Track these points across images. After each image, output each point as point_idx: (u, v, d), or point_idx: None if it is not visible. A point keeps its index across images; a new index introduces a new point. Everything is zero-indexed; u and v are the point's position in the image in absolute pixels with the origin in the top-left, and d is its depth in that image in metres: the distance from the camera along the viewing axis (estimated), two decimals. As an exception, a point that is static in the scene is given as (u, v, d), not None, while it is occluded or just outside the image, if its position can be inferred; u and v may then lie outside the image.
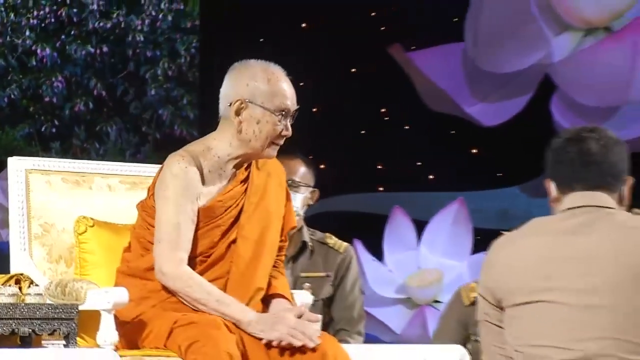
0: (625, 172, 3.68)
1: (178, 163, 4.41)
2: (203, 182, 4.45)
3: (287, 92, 4.48)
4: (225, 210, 4.48)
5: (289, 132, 4.49)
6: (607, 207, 3.63)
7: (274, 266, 4.57)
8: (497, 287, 3.63)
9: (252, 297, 4.46)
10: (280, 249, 4.61)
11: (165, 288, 4.43)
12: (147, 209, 4.50)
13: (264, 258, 4.50)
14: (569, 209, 3.63)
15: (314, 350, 4.33)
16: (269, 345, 4.32)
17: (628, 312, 3.52)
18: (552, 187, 3.71)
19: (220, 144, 4.49)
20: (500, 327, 3.67)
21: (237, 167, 4.52)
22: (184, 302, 4.38)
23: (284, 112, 4.46)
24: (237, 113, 4.47)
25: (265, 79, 4.47)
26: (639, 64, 8.36)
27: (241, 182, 4.53)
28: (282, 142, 4.50)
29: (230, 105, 4.48)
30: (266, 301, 4.52)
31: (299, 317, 4.35)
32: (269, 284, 4.53)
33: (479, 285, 3.71)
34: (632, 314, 3.53)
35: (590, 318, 3.52)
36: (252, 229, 4.50)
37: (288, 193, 4.67)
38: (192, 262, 4.43)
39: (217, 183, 4.49)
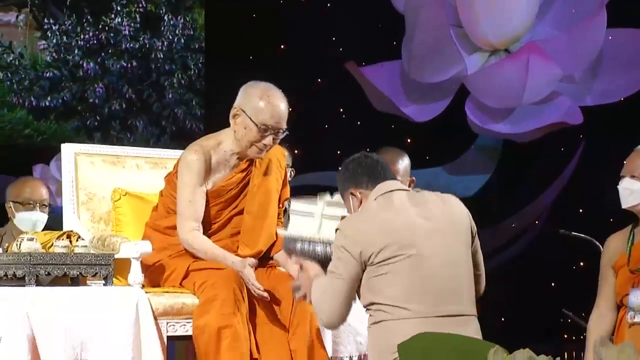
0: None
1: (191, 155, 4.37)
2: (210, 171, 4.40)
3: (273, 113, 4.35)
4: (227, 192, 4.44)
5: (269, 143, 4.37)
6: (406, 190, 3.71)
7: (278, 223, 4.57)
8: (365, 249, 3.54)
9: (253, 255, 4.42)
10: (279, 214, 4.57)
11: (179, 243, 4.40)
12: (171, 182, 4.46)
13: (266, 226, 4.46)
14: (383, 193, 3.65)
15: (288, 290, 4.30)
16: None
17: (458, 260, 3.60)
18: (357, 192, 3.73)
19: (227, 139, 4.44)
20: (356, 285, 3.60)
21: (239, 159, 4.46)
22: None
23: (265, 127, 4.35)
24: (234, 117, 4.41)
25: (259, 97, 4.36)
26: (530, 77, 8.35)
27: (242, 171, 4.47)
28: (265, 148, 4.39)
29: (232, 109, 4.43)
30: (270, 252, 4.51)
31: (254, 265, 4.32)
32: (277, 242, 4.50)
33: (346, 250, 3.58)
34: (461, 261, 3.61)
35: (440, 266, 3.55)
36: (255, 205, 4.46)
37: (286, 173, 4.62)
38: (204, 226, 4.41)
39: (222, 172, 4.45)
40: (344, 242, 3.57)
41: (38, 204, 5.40)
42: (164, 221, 4.46)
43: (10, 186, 5.55)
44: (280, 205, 4.58)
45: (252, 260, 4.29)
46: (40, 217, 5.32)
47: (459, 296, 3.54)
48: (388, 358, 3.47)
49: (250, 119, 4.34)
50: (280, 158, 4.57)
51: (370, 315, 3.58)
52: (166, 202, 4.47)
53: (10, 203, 5.46)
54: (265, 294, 4.25)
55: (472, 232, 3.69)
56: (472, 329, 3.56)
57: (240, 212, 4.44)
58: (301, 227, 4.04)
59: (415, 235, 3.53)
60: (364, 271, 3.56)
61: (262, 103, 4.34)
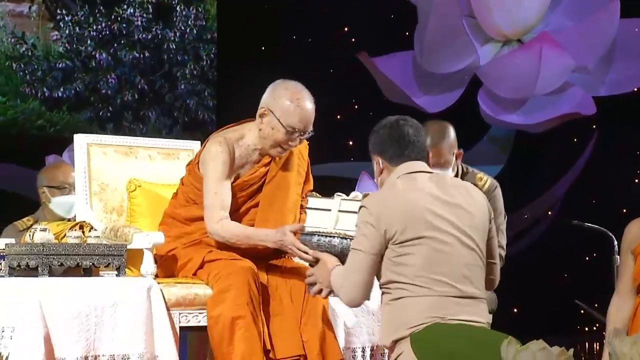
0: (427, 148, 3.79)
1: (215, 147, 4.36)
2: (233, 165, 4.39)
3: (302, 117, 4.33)
4: (249, 187, 4.44)
5: (294, 145, 4.38)
6: (430, 172, 3.73)
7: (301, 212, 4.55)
8: (390, 227, 3.58)
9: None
10: (302, 206, 4.57)
11: (194, 233, 4.40)
12: (192, 172, 4.45)
13: (280, 217, 4.44)
14: (406, 173, 3.68)
15: (299, 281, 4.29)
16: (273, 272, 4.31)
17: (475, 244, 3.64)
18: (380, 161, 3.76)
19: (250, 134, 4.43)
20: (379, 261, 3.63)
21: (261, 154, 4.46)
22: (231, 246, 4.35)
23: (293, 130, 4.34)
24: (261, 116, 4.39)
25: (289, 100, 4.33)
26: (542, 67, 8.33)
27: (264, 165, 4.46)
28: (288, 148, 4.39)
29: (260, 108, 4.41)
30: None
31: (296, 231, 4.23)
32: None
33: (371, 224, 3.62)
34: (477, 246, 3.65)
35: (460, 248, 3.61)
36: (269, 196, 4.45)
37: (308, 163, 4.61)
38: None
39: (244, 167, 4.44)
40: (370, 219, 3.59)
41: (72, 187, 5.41)
42: (182, 210, 4.46)
43: (42, 171, 5.57)
44: (304, 196, 4.58)
45: (296, 226, 4.24)
46: (77, 200, 5.36)
47: (473, 280, 3.62)
48: (405, 333, 3.53)
49: (279, 120, 4.32)
50: (302, 150, 4.55)
51: (388, 293, 3.62)
52: (186, 191, 4.47)
53: (44, 188, 5.47)
54: (311, 258, 4.16)
55: (489, 221, 3.73)
56: (483, 311, 3.65)
57: (257, 205, 4.44)
58: (318, 222, 4.06)
59: (436, 218, 3.59)
60: (386, 248, 3.60)
61: (292, 106, 4.32)
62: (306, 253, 4.13)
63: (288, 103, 4.33)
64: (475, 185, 4.66)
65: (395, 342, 3.60)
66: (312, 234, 3.99)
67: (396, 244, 3.57)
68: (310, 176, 4.63)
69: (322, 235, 3.95)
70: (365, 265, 3.62)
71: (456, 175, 4.86)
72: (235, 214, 4.40)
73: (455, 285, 3.56)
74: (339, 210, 4.04)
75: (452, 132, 4.93)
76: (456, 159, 4.86)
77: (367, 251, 3.61)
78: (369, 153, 3.85)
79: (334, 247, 3.92)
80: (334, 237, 3.93)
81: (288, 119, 4.32)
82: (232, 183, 4.38)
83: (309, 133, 4.39)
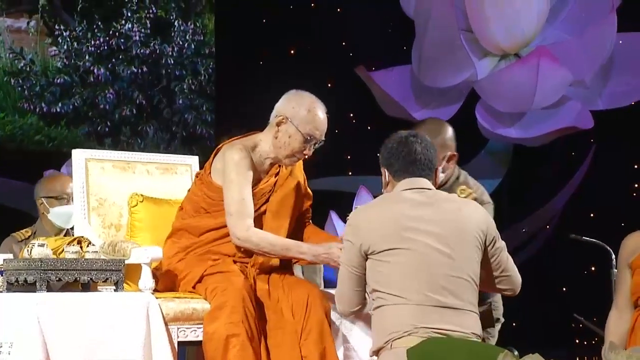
0: (435, 165, 3.89)
1: (238, 154, 4.39)
2: (255, 172, 4.44)
3: (319, 125, 4.46)
4: (262, 196, 4.47)
5: (309, 154, 4.47)
6: (430, 189, 3.83)
7: (307, 223, 4.64)
8: (365, 240, 3.72)
9: None
10: (305, 213, 4.63)
11: (201, 242, 4.41)
12: (205, 182, 4.46)
13: (284, 226, 4.48)
14: (405, 189, 3.80)
15: (301, 296, 4.29)
16: (269, 289, 4.32)
17: (460, 258, 3.71)
18: (386, 173, 3.89)
19: (263, 143, 4.49)
20: (360, 273, 3.79)
21: (272, 164, 4.50)
22: (259, 254, 4.38)
23: (310, 138, 4.43)
24: (278, 124, 4.45)
25: (307, 109, 4.45)
26: (540, 81, 8.35)
27: (274, 175, 4.51)
28: (301, 157, 4.48)
29: (276, 116, 4.45)
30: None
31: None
32: (315, 231, 4.62)
33: (348, 239, 3.79)
34: (464, 260, 3.70)
35: (439, 260, 3.67)
36: (275, 205, 4.48)
37: (304, 175, 4.66)
38: None
39: (258, 176, 4.48)
40: (348, 233, 3.80)
41: (70, 197, 5.41)
42: (192, 221, 4.47)
43: (40, 182, 5.59)
44: (308, 206, 4.62)
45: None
46: (75, 211, 5.34)
47: (457, 293, 3.69)
48: (383, 339, 3.67)
49: (297, 128, 4.41)
50: (299, 163, 4.60)
51: (373, 302, 3.79)
52: (197, 201, 4.47)
53: (42, 199, 5.49)
54: None
55: (485, 238, 3.76)
56: (469, 322, 3.68)
57: (264, 213, 4.47)
58: None
59: (413, 232, 3.69)
60: (366, 260, 3.76)
61: (310, 115, 4.44)
62: None
63: (306, 112, 4.44)
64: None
65: (376, 352, 3.67)
66: None
67: (374, 254, 3.72)
68: (308, 191, 4.67)
69: None
70: (344, 277, 3.85)
71: (446, 180, 4.77)
72: None
73: (432, 296, 3.63)
74: None
75: (445, 132, 4.85)
76: (447, 161, 4.77)
77: (345, 264, 3.82)
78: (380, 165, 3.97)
79: None
80: None
81: (306, 126, 4.42)
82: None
83: (321, 142, 4.45)
